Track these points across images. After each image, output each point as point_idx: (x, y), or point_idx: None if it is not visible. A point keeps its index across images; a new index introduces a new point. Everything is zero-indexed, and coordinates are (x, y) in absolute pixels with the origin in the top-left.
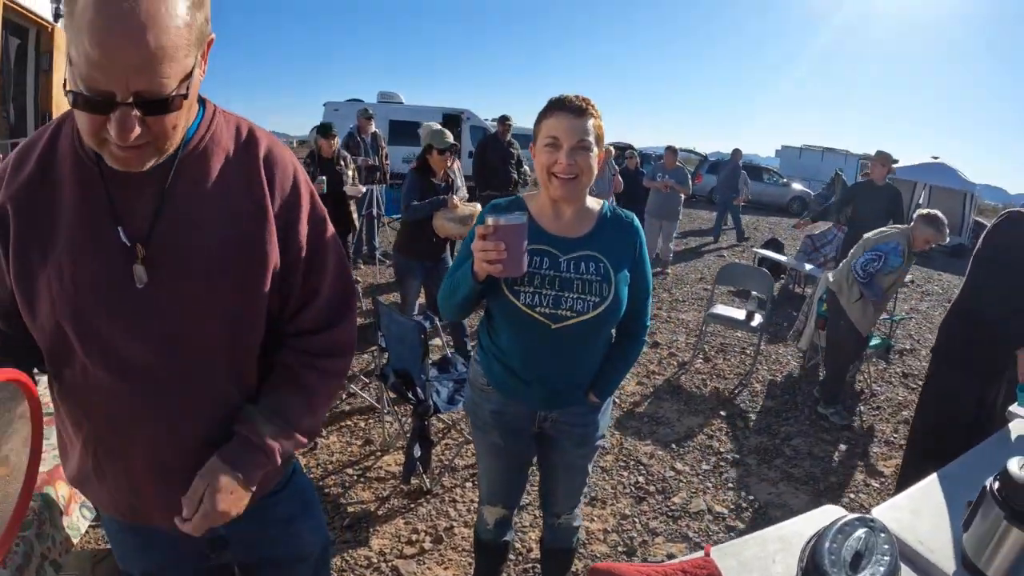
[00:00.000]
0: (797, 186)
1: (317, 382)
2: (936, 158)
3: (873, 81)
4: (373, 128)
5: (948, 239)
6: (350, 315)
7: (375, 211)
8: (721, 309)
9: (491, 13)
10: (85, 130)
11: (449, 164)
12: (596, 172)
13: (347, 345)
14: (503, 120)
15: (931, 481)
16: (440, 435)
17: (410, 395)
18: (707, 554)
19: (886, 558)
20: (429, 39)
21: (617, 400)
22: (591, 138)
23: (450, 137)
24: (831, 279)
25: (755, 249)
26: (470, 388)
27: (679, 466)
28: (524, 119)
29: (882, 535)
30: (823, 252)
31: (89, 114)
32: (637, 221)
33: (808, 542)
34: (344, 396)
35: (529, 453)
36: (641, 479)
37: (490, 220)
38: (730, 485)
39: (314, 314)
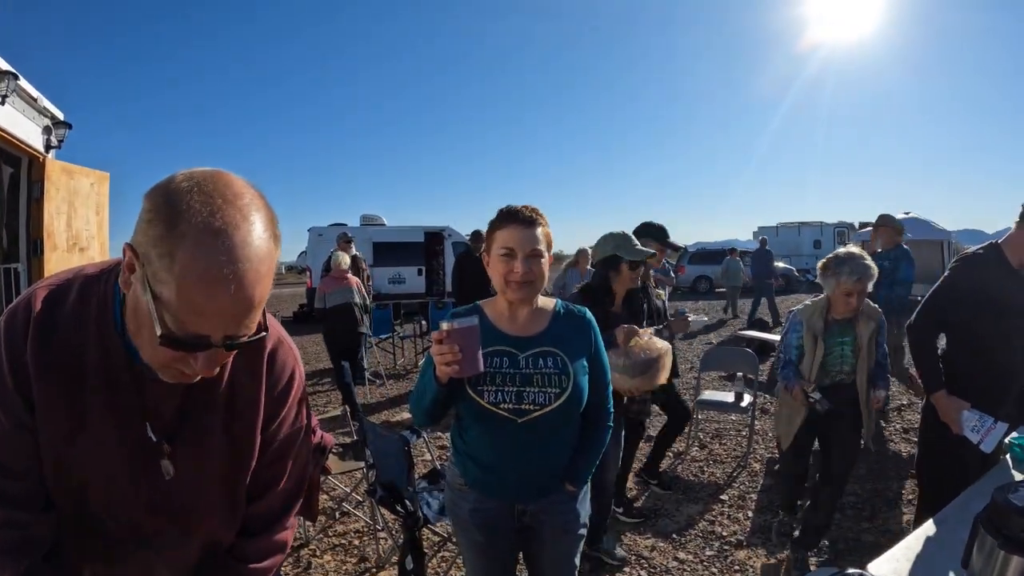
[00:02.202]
0: (779, 264)
1: None
2: (908, 213)
3: (836, 149)
4: (353, 251)
5: (870, 278)
6: (291, 520)
7: (361, 331)
8: (709, 395)
9: (466, 130)
10: (160, 361)
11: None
12: (547, 276)
13: (282, 547)
14: (476, 236)
15: (927, 527)
16: (435, 548)
17: (399, 508)
18: None
19: None
20: (407, 160)
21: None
22: (542, 246)
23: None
24: None
25: (740, 332)
26: (448, 490)
27: (682, 555)
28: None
29: None
30: None
31: (175, 351)
32: (590, 314)
33: None
34: (338, 515)
35: (513, 550)
36: (644, 573)
37: (444, 325)
38: (736, 568)
39: (262, 509)
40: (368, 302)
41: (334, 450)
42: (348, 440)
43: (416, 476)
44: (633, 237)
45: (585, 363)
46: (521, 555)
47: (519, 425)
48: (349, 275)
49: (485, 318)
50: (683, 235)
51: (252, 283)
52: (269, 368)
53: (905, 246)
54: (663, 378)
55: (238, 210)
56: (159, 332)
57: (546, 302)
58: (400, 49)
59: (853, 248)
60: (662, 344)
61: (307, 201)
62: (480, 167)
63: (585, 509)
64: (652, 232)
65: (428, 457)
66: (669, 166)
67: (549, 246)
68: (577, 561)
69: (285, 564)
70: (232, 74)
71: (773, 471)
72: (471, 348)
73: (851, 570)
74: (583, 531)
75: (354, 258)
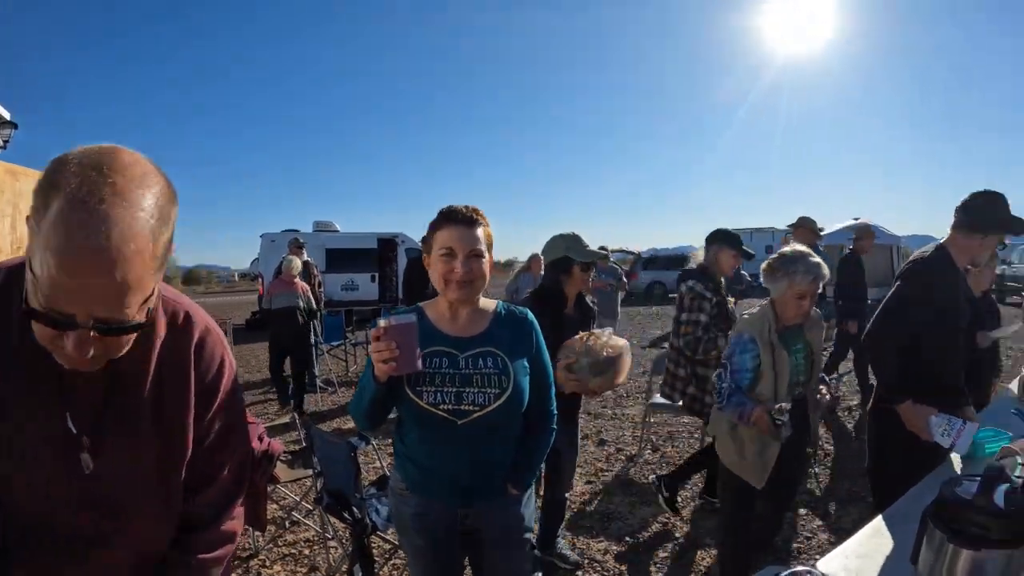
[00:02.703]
0: (742, 272)
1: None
2: (858, 219)
3: (788, 156)
4: (304, 256)
5: (823, 278)
6: (236, 509)
7: (313, 339)
8: (660, 398)
9: (422, 136)
10: (40, 335)
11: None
12: (488, 276)
13: (231, 537)
14: (426, 241)
15: (876, 524)
16: (386, 556)
17: (346, 515)
18: None
19: None
20: (362, 167)
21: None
22: (482, 246)
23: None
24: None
25: None
26: (391, 495)
27: (635, 558)
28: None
29: None
30: None
31: (43, 328)
32: (531, 316)
33: None
34: (288, 524)
35: (457, 555)
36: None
37: (381, 322)
38: (690, 568)
39: (205, 502)
40: (315, 308)
41: (282, 458)
42: (297, 448)
43: (365, 483)
44: (583, 238)
45: (526, 364)
46: (468, 560)
47: (459, 427)
48: (297, 280)
49: (425, 319)
50: (638, 240)
51: (116, 261)
52: (197, 358)
53: (820, 247)
54: (623, 377)
55: (112, 184)
56: (23, 306)
57: (487, 303)
58: (358, 55)
59: (799, 246)
60: (622, 342)
61: (260, 207)
62: (436, 174)
63: (530, 512)
64: (728, 239)
65: (378, 464)
66: (625, 172)
67: (490, 246)
68: (527, 565)
69: (234, 574)
70: (183, 73)
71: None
72: (408, 345)
73: (799, 567)
74: (529, 535)
75: (305, 264)
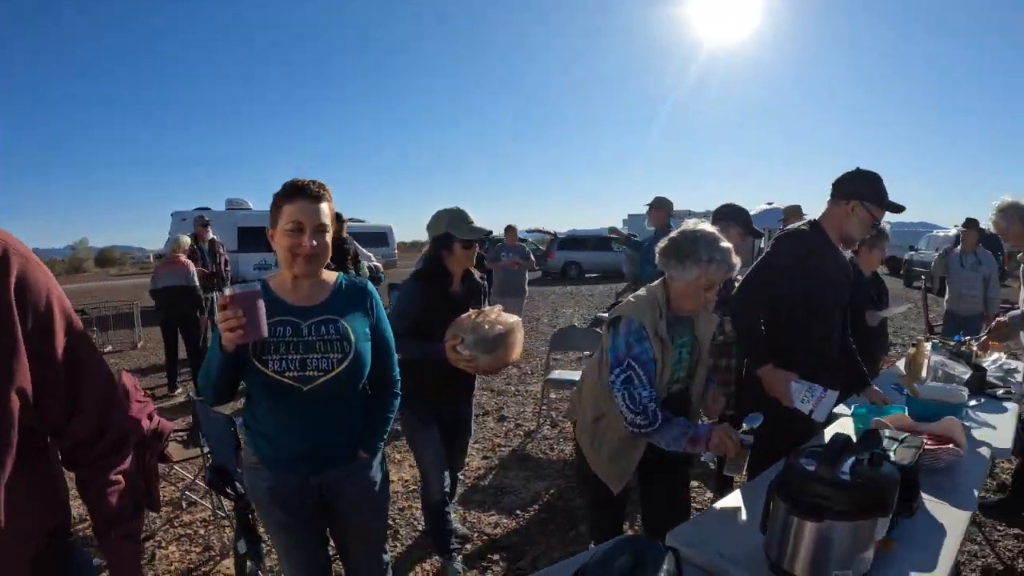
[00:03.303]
0: None
1: (111, 485)
2: (771, 204)
3: (708, 141)
4: (210, 235)
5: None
6: (119, 418)
7: (203, 316)
8: (558, 374)
9: (332, 112)
10: None
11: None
12: (330, 250)
13: (123, 440)
14: (337, 218)
15: (734, 497)
16: None
17: (229, 491)
18: None
19: (660, 574)
20: (274, 143)
21: (461, 476)
22: (327, 220)
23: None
24: None
25: (599, 314)
26: (245, 471)
27: (525, 531)
28: (374, 214)
29: (652, 552)
30: None
31: None
32: (371, 286)
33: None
34: (185, 505)
35: (317, 524)
36: (486, 549)
37: (227, 291)
38: (577, 540)
39: (82, 424)
40: (196, 284)
41: (177, 438)
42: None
43: None
44: (468, 214)
45: (367, 331)
46: (330, 531)
47: (305, 393)
48: (182, 258)
49: (269, 291)
50: (557, 222)
51: None
52: (19, 295)
53: (671, 225)
54: (516, 354)
55: None
56: None
57: (329, 275)
58: (266, 32)
59: (704, 225)
60: (512, 319)
61: (172, 185)
62: (348, 151)
63: (383, 474)
64: (735, 216)
65: None
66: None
67: (333, 221)
68: (386, 532)
69: None
70: (88, 53)
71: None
72: (254, 312)
73: (641, 536)
74: (384, 498)
75: (211, 242)
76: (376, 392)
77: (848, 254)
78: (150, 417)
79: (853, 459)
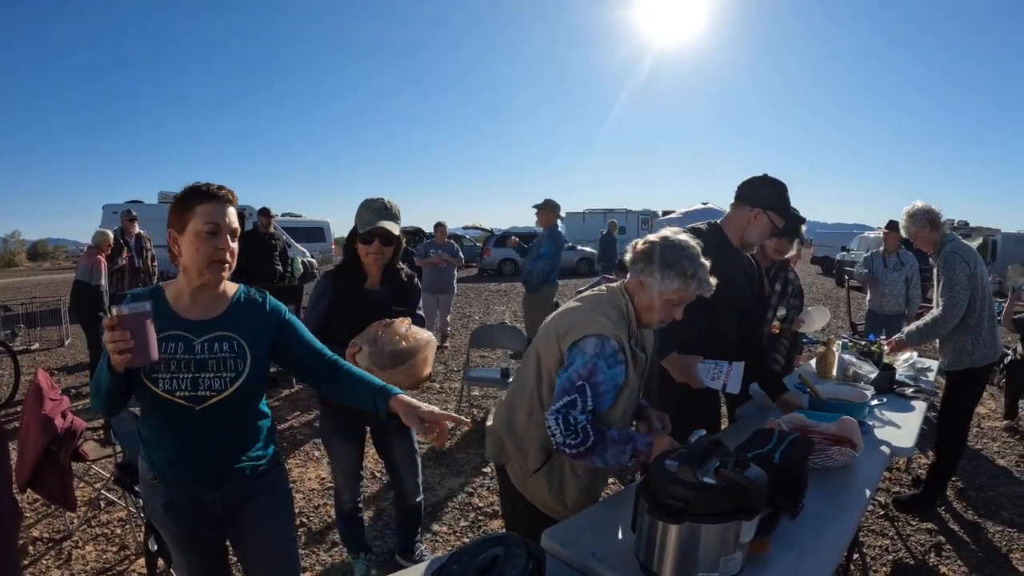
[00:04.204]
0: (586, 248)
1: None
2: (706, 204)
3: (643, 142)
4: (137, 229)
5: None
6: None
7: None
8: (478, 372)
9: (270, 104)
10: None
11: (398, 263)
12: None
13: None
14: (264, 212)
15: (615, 496)
16: None
17: (137, 488)
18: None
19: (513, 572)
20: (210, 134)
21: (380, 475)
22: (237, 226)
23: (391, 215)
24: None
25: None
26: (142, 485)
27: (436, 527)
28: (312, 210)
29: (515, 551)
30: None
31: None
32: (273, 301)
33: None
34: (103, 505)
35: (217, 539)
36: (395, 545)
37: (114, 311)
38: (479, 538)
39: None
40: (98, 283)
41: (94, 437)
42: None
43: None
44: (385, 206)
45: (266, 347)
46: (231, 541)
47: (197, 413)
48: (94, 255)
49: (164, 301)
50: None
51: None
52: None
53: (560, 227)
54: (422, 373)
55: None
56: None
57: (229, 286)
58: (203, 21)
59: (684, 235)
60: (423, 336)
61: (106, 177)
62: (285, 145)
63: (282, 483)
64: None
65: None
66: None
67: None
68: (293, 542)
69: (46, 557)
70: (19, 44)
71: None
72: (143, 335)
73: (506, 535)
74: (287, 508)
75: (138, 236)
76: (330, 376)
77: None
78: (64, 415)
79: (717, 462)
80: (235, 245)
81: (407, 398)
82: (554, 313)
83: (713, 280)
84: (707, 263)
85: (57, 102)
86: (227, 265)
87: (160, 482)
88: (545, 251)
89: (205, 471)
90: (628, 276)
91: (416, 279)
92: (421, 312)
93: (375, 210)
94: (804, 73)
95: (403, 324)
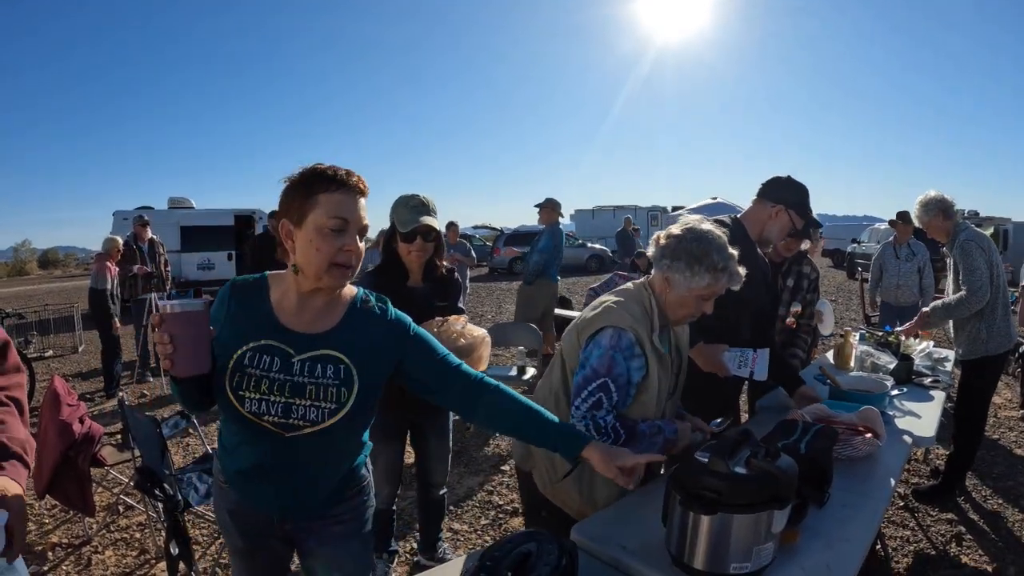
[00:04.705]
0: (596, 245)
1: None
2: (715, 198)
3: (651, 138)
4: (150, 234)
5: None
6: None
7: (115, 322)
8: (493, 370)
9: (279, 106)
10: None
11: (437, 257)
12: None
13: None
14: (273, 215)
15: (643, 491)
16: (216, 535)
17: (157, 492)
18: None
19: (547, 568)
20: (218, 141)
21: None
22: (367, 223)
23: (429, 210)
24: None
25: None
26: (213, 482)
27: (457, 526)
28: None
29: (548, 547)
30: None
31: None
32: (391, 307)
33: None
34: (121, 509)
35: (280, 559)
36: (416, 544)
37: (162, 306)
38: (510, 535)
39: None
40: (104, 287)
41: (112, 442)
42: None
43: (189, 461)
44: (421, 202)
45: (385, 368)
46: (296, 553)
47: (286, 439)
48: (103, 260)
49: (265, 299)
50: (504, 218)
51: None
52: None
53: (560, 225)
54: (481, 369)
55: None
56: None
57: (347, 290)
58: (209, 29)
59: (708, 224)
60: (478, 332)
61: (115, 184)
62: (290, 145)
63: (364, 535)
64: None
65: (201, 443)
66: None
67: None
68: (364, 563)
69: (66, 563)
70: (24, 49)
71: None
72: (188, 340)
73: (538, 531)
74: (364, 535)
75: (151, 242)
76: (475, 400)
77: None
78: (81, 421)
79: (748, 452)
80: (363, 246)
81: (603, 446)
82: (579, 314)
83: (743, 270)
84: (736, 253)
85: (58, 103)
86: (351, 270)
87: (230, 486)
88: (543, 245)
89: (281, 499)
90: (652, 272)
91: (456, 273)
92: (462, 306)
93: (413, 207)
94: (809, 65)
95: (459, 321)
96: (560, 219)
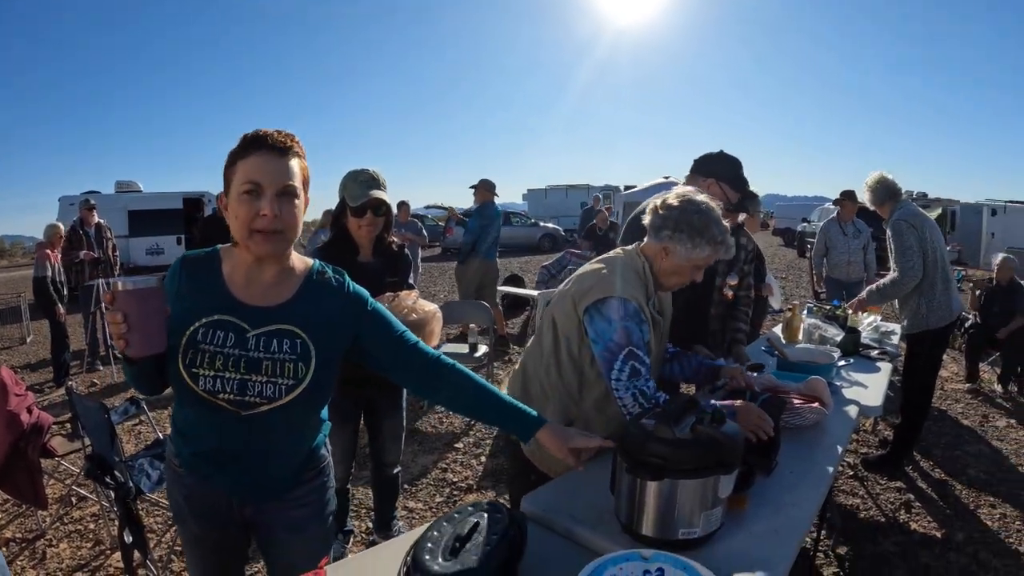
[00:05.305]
0: (549, 224)
1: None
2: (668, 177)
3: (603, 118)
4: (97, 219)
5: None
6: None
7: (61, 309)
8: (446, 347)
9: (220, 88)
10: None
11: (388, 232)
12: (301, 224)
13: None
14: (222, 197)
15: (593, 461)
16: (171, 521)
17: (108, 480)
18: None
19: (498, 537)
20: (165, 124)
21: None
22: (297, 182)
23: (379, 184)
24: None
25: (499, 288)
26: (166, 467)
27: (412, 504)
28: None
29: (496, 516)
30: (559, 279)
31: None
32: (348, 280)
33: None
34: (75, 500)
35: (237, 543)
36: (371, 524)
37: (115, 283)
38: (458, 507)
39: None
40: (45, 275)
41: (62, 431)
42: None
43: (141, 447)
44: (371, 176)
45: (339, 346)
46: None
47: (243, 418)
48: (43, 248)
49: (218, 273)
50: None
51: None
52: None
53: (496, 203)
54: (432, 344)
55: None
56: None
57: (301, 262)
58: (151, 14)
59: (703, 196)
60: (430, 307)
61: (61, 169)
62: (242, 126)
63: (325, 499)
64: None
65: (152, 429)
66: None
67: (305, 185)
68: (326, 545)
69: (21, 557)
70: None
71: None
72: (143, 319)
73: (490, 502)
74: (324, 518)
75: (98, 226)
76: (431, 381)
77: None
78: (29, 411)
79: (693, 419)
80: (288, 209)
81: (555, 428)
82: (571, 278)
83: (732, 241)
84: (727, 224)
85: (8, 93)
86: (278, 235)
87: (185, 470)
88: (471, 224)
89: (239, 480)
90: (647, 240)
91: (406, 248)
92: (412, 281)
93: (363, 182)
94: (761, 49)
95: (410, 296)
96: (496, 198)
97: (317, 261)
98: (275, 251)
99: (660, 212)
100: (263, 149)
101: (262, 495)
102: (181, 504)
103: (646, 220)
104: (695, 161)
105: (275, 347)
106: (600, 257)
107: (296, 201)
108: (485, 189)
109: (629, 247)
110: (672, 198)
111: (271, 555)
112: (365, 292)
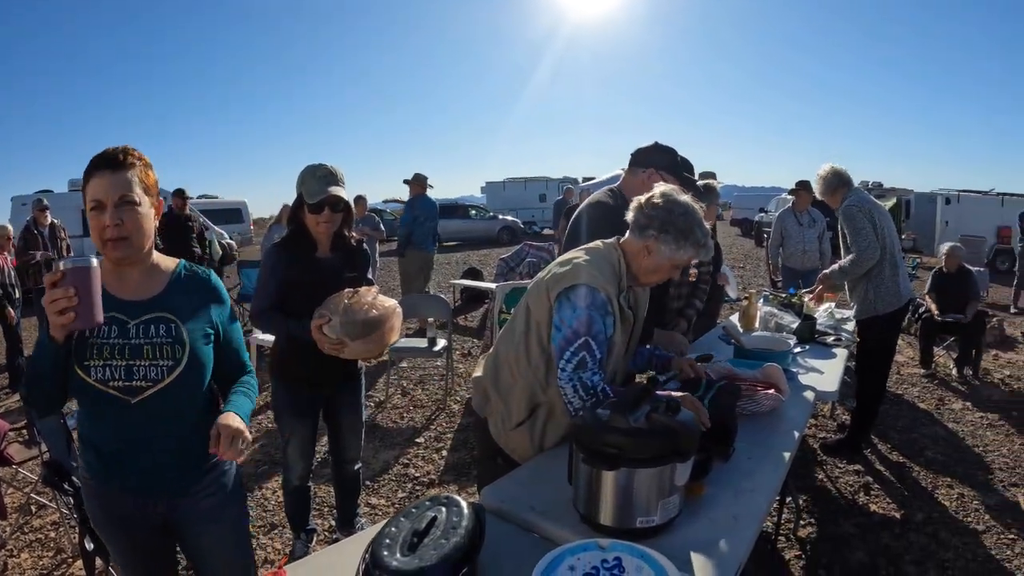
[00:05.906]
0: (507, 217)
1: None
2: (624, 169)
3: (563, 110)
4: (50, 219)
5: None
6: None
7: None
8: (404, 342)
9: (181, 85)
10: None
11: (346, 228)
12: (150, 230)
13: None
14: (179, 194)
15: (552, 453)
16: None
17: (66, 486)
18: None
19: (457, 530)
20: (118, 121)
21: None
22: (136, 192)
23: (337, 180)
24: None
25: (453, 281)
26: (82, 489)
27: (374, 501)
28: (234, 192)
29: (454, 509)
30: (518, 271)
31: None
32: (215, 277)
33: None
34: (35, 509)
35: (162, 547)
36: (334, 522)
37: (58, 264)
38: (417, 501)
39: None
40: (9, 279)
41: (19, 438)
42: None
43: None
44: (328, 172)
45: (208, 330)
46: (180, 544)
47: (133, 406)
48: None
49: (96, 259)
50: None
51: None
52: None
53: (430, 196)
54: (391, 340)
55: None
56: None
57: (166, 262)
58: (102, 6)
59: (685, 196)
60: (389, 303)
61: (9, 170)
62: (200, 126)
63: (233, 482)
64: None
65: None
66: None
67: (149, 191)
68: (247, 539)
69: None
70: None
71: (472, 411)
72: (88, 293)
73: (449, 496)
74: (239, 505)
75: (52, 226)
76: (235, 381)
77: None
78: None
79: (648, 407)
80: (130, 217)
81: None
82: (547, 267)
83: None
84: (707, 226)
85: None
86: (124, 242)
87: (97, 484)
88: (404, 218)
89: (146, 473)
90: (628, 235)
91: (364, 243)
92: (370, 277)
93: (320, 178)
94: (720, 40)
95: (369, 292)
96: (430, 189)
97: (183, 261)
98: (125, 255)
99: (645, 211)
100: (100, 168)
101: (168, 489)
102: (100, 517)
103: (629, 216)
104: (631, 155)
105: (153, 332)
106: (579, 247)
107: (138, 208)
108: (417, 183)
109: (609, 240)
110: (656, 197)
111: (199, 550)
112: (227, 294)
